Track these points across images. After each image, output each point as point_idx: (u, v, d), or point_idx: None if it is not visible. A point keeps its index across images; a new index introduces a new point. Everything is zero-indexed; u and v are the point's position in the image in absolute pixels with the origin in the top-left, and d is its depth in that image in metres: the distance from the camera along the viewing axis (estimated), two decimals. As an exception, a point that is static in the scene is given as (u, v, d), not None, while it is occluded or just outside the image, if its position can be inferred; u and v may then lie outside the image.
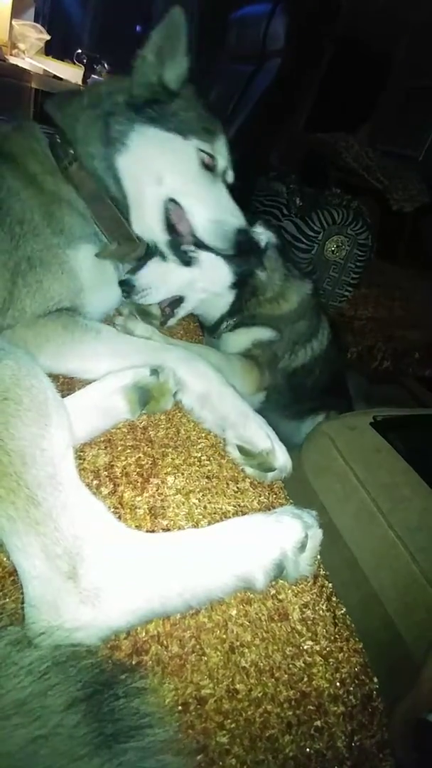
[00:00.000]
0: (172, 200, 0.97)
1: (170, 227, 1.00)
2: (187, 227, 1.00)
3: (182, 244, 1.02)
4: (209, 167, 0.96)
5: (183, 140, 0.92)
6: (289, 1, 3.22)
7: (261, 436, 0.82)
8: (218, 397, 0.87)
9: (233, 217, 1.00)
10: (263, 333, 1.29)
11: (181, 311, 1.18)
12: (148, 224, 1.00)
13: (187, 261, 1.06)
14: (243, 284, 1.22)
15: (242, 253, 1.03)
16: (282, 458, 0.83)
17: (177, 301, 1.17)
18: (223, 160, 0.97)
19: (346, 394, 1.61)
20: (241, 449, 0.83)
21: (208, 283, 1.16)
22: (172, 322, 1.17)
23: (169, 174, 0.95)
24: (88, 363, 0.87)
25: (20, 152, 0.92)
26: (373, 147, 3.16)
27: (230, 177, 1.04)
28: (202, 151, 0.96)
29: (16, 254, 0.86)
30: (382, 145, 3.44)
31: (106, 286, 1.01)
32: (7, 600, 0.56)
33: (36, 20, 3.72)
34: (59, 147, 0.93)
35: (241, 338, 1.28)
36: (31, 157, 0.93)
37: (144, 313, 1.16)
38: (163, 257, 1.05)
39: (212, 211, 0.99)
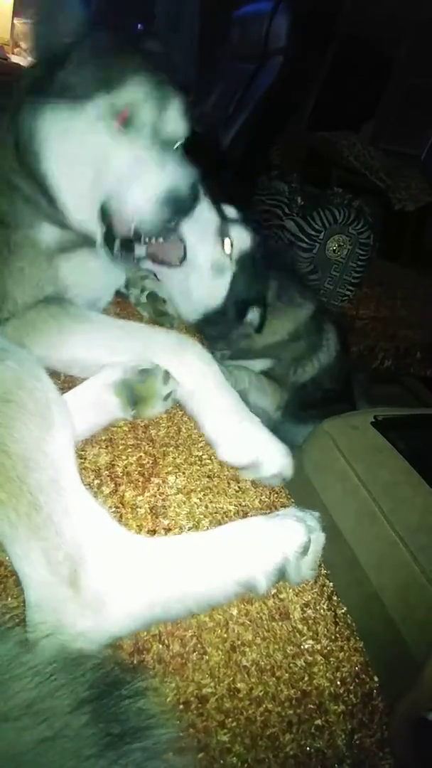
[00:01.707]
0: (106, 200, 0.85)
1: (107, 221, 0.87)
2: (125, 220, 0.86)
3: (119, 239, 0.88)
4: (127, 122, 0.77)
5: (79, 108, 0.75)
6: (291, 0, 3.22)
7: (243, 450, 0.78)
8: (207, 397, 0.81)
9: (158, 178, 0.80)
10: (263, 364, 1.28)
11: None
12: (85, 220, 0.87)
13: (126, 258, 0.92)
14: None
15: (181, 213, 0.84)
16: (273, 467, 0.78)
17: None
18: (146, 109, 0.77)
19: (352, 399, 1.60)
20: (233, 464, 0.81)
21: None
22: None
23: (82, 164, 0.81)
24: (79, 352, 0.85)
25: None
26: (375, 146, 3.16)
27: (175, 128, 0.83)
28: (111, 105, 0.77)
29: None
30: (384, 144, 3.43)
31: (81, 263, 0.93)
32: (10, 599, 0.56)
33: (38, 19, 3.73)
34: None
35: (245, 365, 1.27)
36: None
37: (161, 313, 1.16)
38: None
39: (135, 185, 0.80)
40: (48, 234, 0.89)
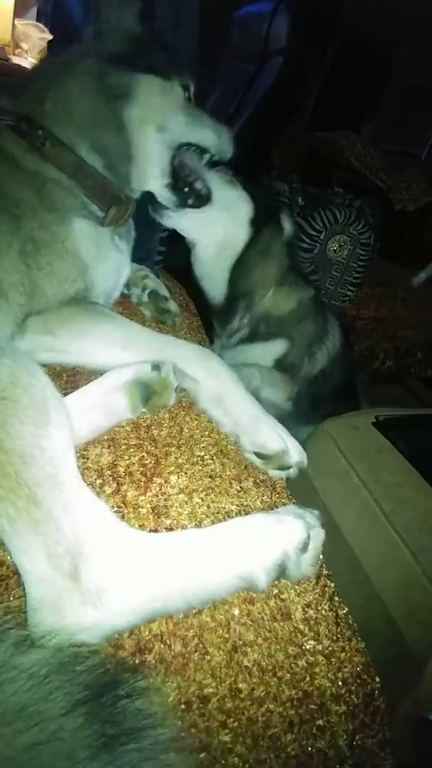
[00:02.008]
0: (179, 145, 1.07)
1: (174, 171, 1.08)
2: (194, 163, 1.13)
3: (185, 187, 1.12)
4: (189, 98, 1.06)
5: (170, 82, 1.01)
6: (291, 0, 3.22)
7: (273, 438, 0.83)
8: (231, 398, 0.87)
9: (224, 127, 1.15)
10: (279, 346, 1.35)
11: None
12: (154, 169, 1.06)
13: (186, 203, 1.14)
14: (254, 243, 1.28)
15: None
16: (296, 455, 0.84)
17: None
18: (192, 91, 1.08)
19: (356, 396, 1.63)
20: (258, 454, 0.85)
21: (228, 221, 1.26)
22: None
23: (169, 118, 1.04)
24: (102, 347, 0.88)
25: None
26: (376, 146, 3.16)
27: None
28: (182, 85, 1.05)
29: (19, 235, 0.86)
30: (385, 144, 3.43)
31: (105, 258, 1.00)
32: (12, 599, 0.56)
33: (38, 20, 3.73)
34: (27, 131, 0.94)
35: (261, 354, 1.34)
36: (6, 141, 0.93)
37: (162, 311, 1.18)
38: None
39: (213, 131, 1.11)
40: (78, 229, 0.93)
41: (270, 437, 0.84)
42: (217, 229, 1.27)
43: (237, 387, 0.89)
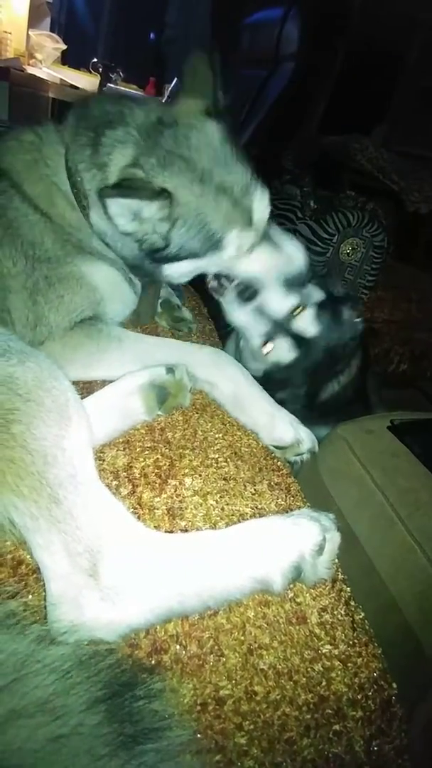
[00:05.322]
0: None
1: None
2: None
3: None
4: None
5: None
6: (302, 5, 3.23)
7: (288, 432, 0.89)
8: (248, 399, 0.92)
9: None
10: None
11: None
12: None
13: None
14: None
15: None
16: (308, 442, 0.90)
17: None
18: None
19: (369, 403, 1.61)
20: (275, 446, 0.90)
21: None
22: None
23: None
24: (116, 371, 0.89)
25: (30, 180, 0.90)
26: (388, 148, 3.14)
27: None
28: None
29: (33, 275, 0.89)
30: (397, 146, 3.41)
31: (122, 295, 1.03)
32: (31, 597, 0.57)
33: (52, 30, 3.80)
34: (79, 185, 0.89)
35: None
36: (49, 193, 0.91)
37: (177, 320, 1.20)
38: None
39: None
40: (96, 267, 0.95)
41: (285, 431, 0.89)
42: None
43: (253, 387, 0.93)
